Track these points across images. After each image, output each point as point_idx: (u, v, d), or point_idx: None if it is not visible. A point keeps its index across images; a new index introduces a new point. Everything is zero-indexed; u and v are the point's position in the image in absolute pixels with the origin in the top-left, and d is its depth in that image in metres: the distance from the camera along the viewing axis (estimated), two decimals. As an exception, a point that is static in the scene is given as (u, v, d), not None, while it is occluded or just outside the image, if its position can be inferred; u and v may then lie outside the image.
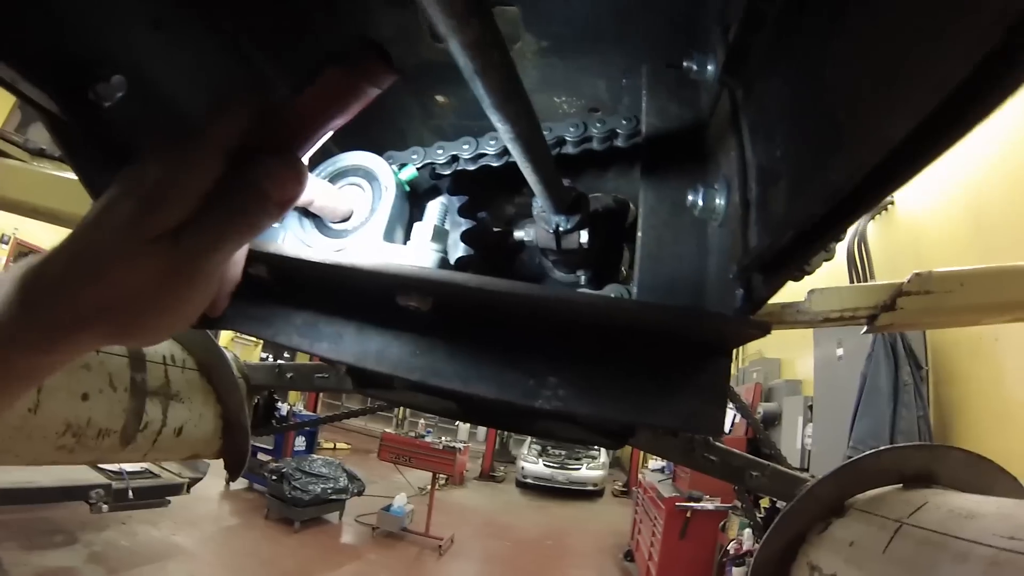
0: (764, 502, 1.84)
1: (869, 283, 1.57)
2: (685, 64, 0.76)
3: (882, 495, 1.25)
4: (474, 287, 0.65)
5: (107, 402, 1.43)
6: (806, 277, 0.94)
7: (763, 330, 0.59)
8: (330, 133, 0.51)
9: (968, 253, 4.18)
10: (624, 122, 0.94)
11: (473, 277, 0.65)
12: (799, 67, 0.53)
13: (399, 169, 0.90)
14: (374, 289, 0.73)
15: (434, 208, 0.76)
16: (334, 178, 0.86)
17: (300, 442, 10.71)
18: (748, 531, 5.96)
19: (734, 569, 5.87)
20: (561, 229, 0.92)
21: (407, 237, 0.83)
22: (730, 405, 5.48)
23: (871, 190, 0.41)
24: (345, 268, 0.69)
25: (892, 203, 5.30)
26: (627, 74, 0.91)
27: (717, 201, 0.70)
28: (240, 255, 0.59)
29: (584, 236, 0.93)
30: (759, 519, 1.73)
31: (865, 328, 1.56)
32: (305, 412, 12.10)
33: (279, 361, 1.96)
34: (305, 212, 0.83)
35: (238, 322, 0.82)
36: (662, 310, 0.66)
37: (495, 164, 1.00)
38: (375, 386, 1.49)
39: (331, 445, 14.30)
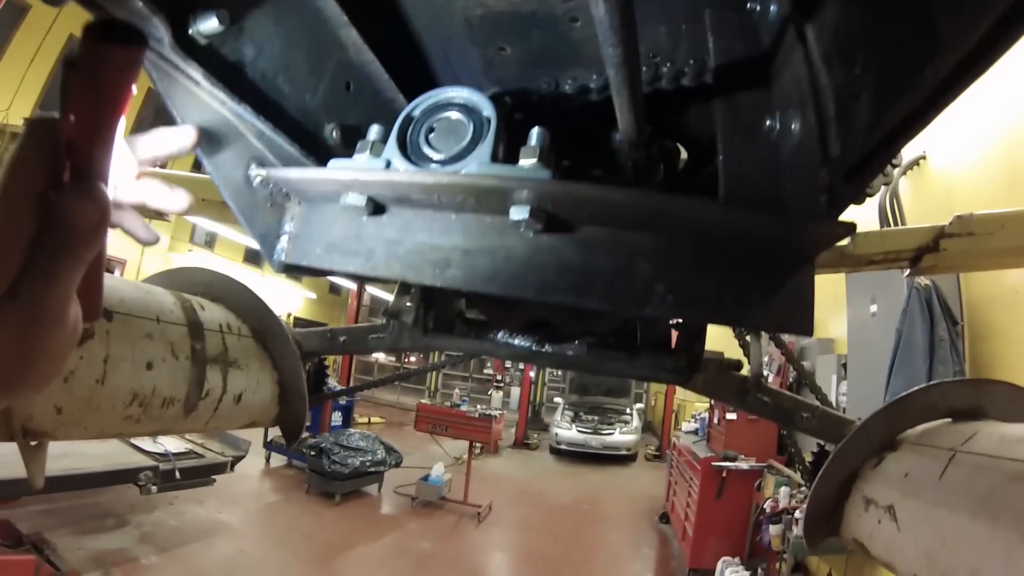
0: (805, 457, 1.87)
1: (912, 226, 1.58)
2: (748, 6, 0.79)
3: (933, 428, 1.27)
4: (597, 196, 0.70)
5: (170, 371, 1.44)
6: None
7: (849, 229, 0.62)
8: (118, 135, 0.51)
9: (1002, 208, 4.11)
10: (691, 62, 0.97)
11: (600, 187, 0.71)
12: None
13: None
14: (486, 207, 0.77)
15: (536, 133, 0.79)
16: (432, 111, 0.89)
17: (336, 417, 10.92)
18: (784, 489, 6.00)
19: (770, 527, 5.91)
20: (640, 164, 0.96)
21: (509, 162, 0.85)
22: (767, 357, 5.44)
23: (952, 83, 0.46)
24: (462, 185, 0.74)
25: (924, 157, 5.24)
26: (687, 20, 0.92)
27: (792, 126, 0.73)
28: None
29: (661, 172, 0.96)
30: (808, 464, 1.76)
31: (908, 271, 1.57)
32: (338, 386, 12.28)
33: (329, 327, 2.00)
34: (405, 145, 0.87)
35: (336, 260, 0.86)
36: (770, 218, 0.70)
37: (572, 103, 1.04)
38: (441, 333, 1.53)
39: (365, 420, 14.54)
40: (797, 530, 5.39)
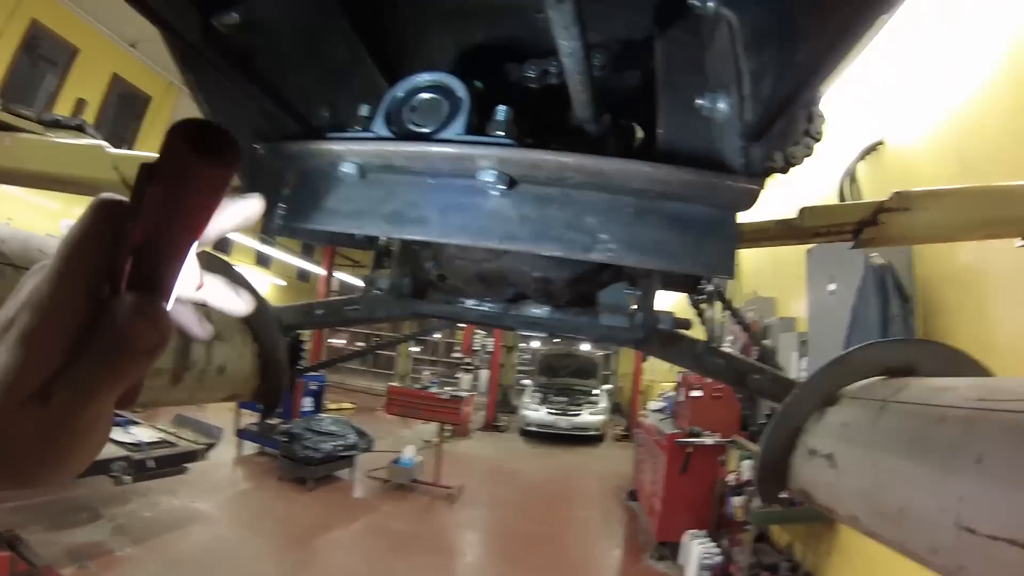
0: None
1: (854, 201, 1.70)
2: (689, 1, 0.91)
3: (870, 383, 1.38)
4: (548, 160, 0.83)
5: (158, 341, 1.50)
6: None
7: (760, 185, 0.76)
8: (198, 250, 0.47)
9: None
10: (641, 49, 1.09)
11: (552, 152, 0.83)
12: None
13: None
14: (459, 172, 0.90)
15: (501, 110, 0.91)
16: (413, 92, 1.00)
17: (307, 403, 10.93)
18: (747, 463, 6.19)
19: (733, 499, 6.12)
20: (594, 139, 1.08)
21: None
22: (729, 338, 5.63)
23: (816, 68, 0.63)
24: (439, 154, 0.87)
25: (882, 143, 5.44)
26: (638, 13, 1.04)
27: (719, 104, 0.85)
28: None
29: (613, 146, 1.09)
30: (759, 424, 1.87)
31: (851, 244, 1.69)
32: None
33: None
34: (391, 121, 0.97)
35: (328, 220, 0.96)
36: (700, 174, 0.83)
37: (534, 86, 1.16)
38: (415, 299, 1.62)
39: (336, 406, 14.53)
40: (759, 501, 5.60)
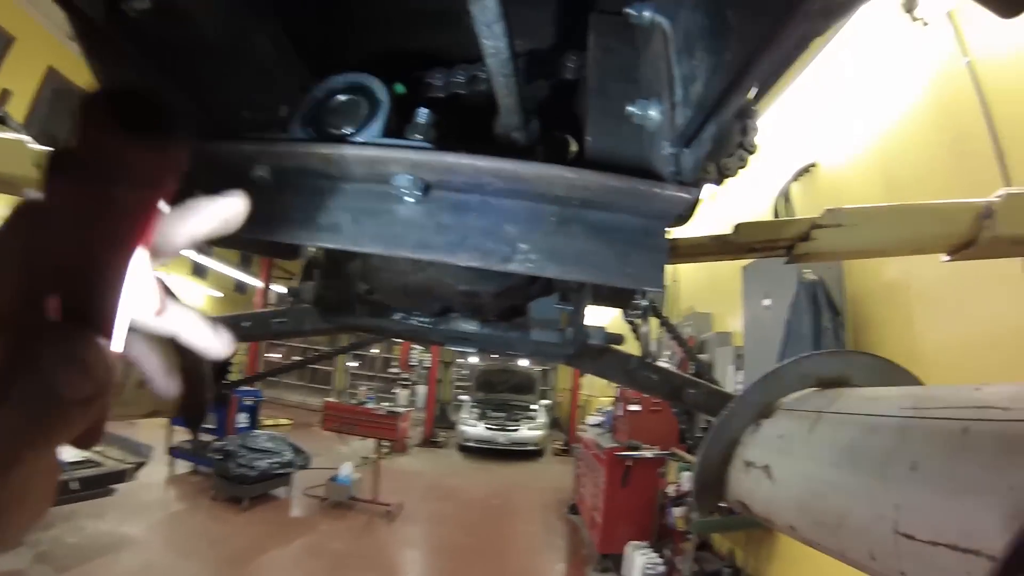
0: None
1: (788, 218, 1.75)
2: (625, 10, 0.90)
3: (804, 395, 1.40)
4: (465, 164, 0.80)
5: (72, 355, 1.42)
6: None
7: (691, 195, 0.78)
8: (154, 264, 0.38)
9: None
10: (573, 57, 1.07)
11: (468, 155, 0.80)
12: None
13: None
14: (373, 177, 0.86)
15: (421, 112, 0.89)
16: (333, 93, 0.96)
17: (243, 419, 10.60)
18: (686, 474, 6.28)
19: (674, 510, 6.20)
20: (520, 146, 1.05)
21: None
22: (666, 353, 5.71)
23: (745, 71, 0.63)
24: (352, 156, 0.83)
25: (815, 165, 5.66)
26: (573, 19, 1.03)
27: (650, 111, 0.84)
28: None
29: (541, 152, 1.06)
30: (697, 437, 1.89)
31: (785, 259, 1.73)
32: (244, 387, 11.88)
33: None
34: (309, 123, 0.93)
35: (241, 226, 0.92)
36: (626, 179, 0.81)
37: (463, 92, 1.14)
38: (341, 312, 1.57)
39: (272, 422, 14.15)
40: (699, 512, 5.69)
